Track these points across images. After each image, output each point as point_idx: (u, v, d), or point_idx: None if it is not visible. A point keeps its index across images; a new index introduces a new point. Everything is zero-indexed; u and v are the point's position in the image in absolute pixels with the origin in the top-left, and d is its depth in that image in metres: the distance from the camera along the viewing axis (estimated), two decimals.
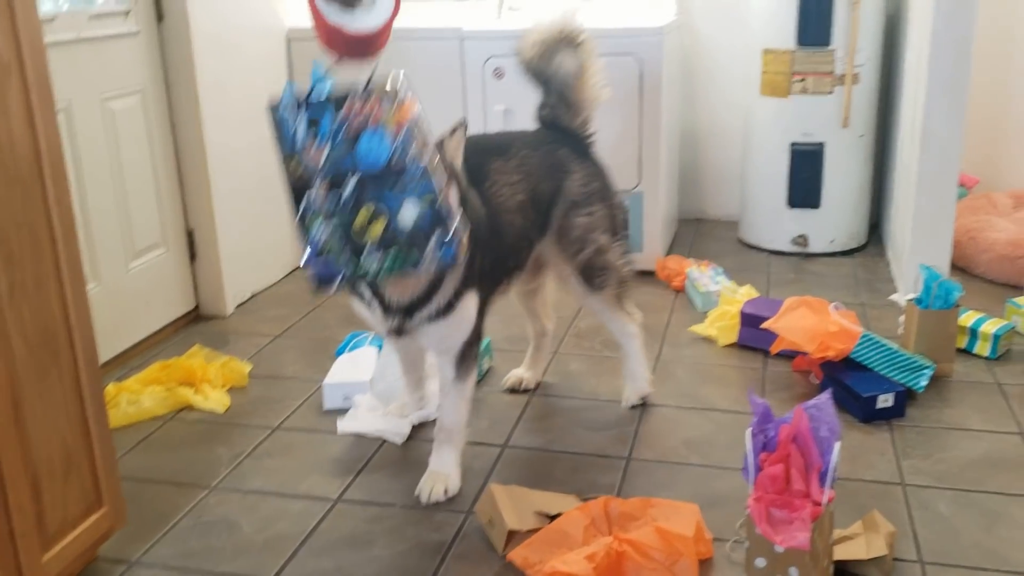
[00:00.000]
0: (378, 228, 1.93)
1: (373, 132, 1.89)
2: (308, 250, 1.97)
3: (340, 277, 1.97)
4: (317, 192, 1.92)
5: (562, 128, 2.66)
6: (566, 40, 2.59)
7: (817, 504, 1.67)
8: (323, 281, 1.99)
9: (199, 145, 3.38)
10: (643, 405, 2.76)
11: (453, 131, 2.14)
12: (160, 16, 3.26)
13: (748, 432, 1.74)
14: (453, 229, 1.93)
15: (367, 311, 2.31)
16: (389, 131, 1.89)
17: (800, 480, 1.68)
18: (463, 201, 2.09)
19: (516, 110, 3.73)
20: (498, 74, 3.70)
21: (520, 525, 2.04)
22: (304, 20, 4.00)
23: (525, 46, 2.62)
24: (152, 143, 3.28)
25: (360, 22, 2.69)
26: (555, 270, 2.65)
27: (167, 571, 2.06)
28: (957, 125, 3.24)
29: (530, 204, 2.46)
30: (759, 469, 1.70)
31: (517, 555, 1.98)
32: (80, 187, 2.93)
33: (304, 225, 1.96)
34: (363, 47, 2.75)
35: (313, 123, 1.92)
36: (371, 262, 1.95)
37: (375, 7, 2.72)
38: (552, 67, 2.60)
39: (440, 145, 2.10)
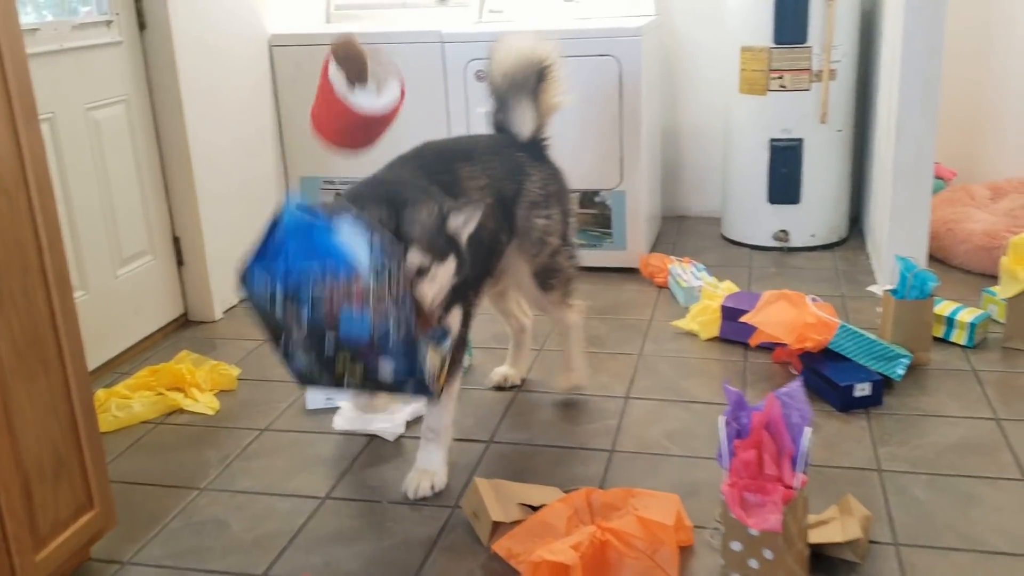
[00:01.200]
0: (358, 371, 1.98)
1: (354, 313, 1.87)
2: (292, 374, 2.07)
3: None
4: (296, 337, 1.96)
5: (514, 131, 2.67)
6: (535, 70, 2.61)
7: (789, 488, 1.71)
8: (307, 382, 2.12)
9: (184, 153, 3.42)
10: (626, 398, 2.81)
11: (462, 210, 2.10)
12: (143, 25, 3.30)
13: (721, 420, 1.79)
14: (428, 376, 1.95)
15: None
16: (371, 311, 1.86)
17: (772, 465, 1.73)
18: (461, 262, 2.11)
19: None
20: (480, 76, 3.74)
21: (505, 517, 2.08)
22: (286, 27, 4.06)
23: (495, 75, 2.64)
24: (137, 151, 3.31)
25: (367, 102, 2.64)
26: (511, 270, 2.65)
27: (159, 570, 2.10)
28: (931, 118, 3.29)
29: (498, 207, 2.48)
30: (733, 455, 1.75)
31: (501, 546, 2.02)
32: (66, 196, 2.97)
33: (285, 354, 2.03)
34: (365, 132, 2.70)
35: (292, 298, 1.91)
36: (352, 384, 2.02)
37: (384, 89, 2.68)
38: (518, 95, 2.63)
39: (445, 218, 2.07)
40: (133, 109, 3.29)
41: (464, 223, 2.09)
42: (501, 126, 2.69)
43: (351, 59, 2.60)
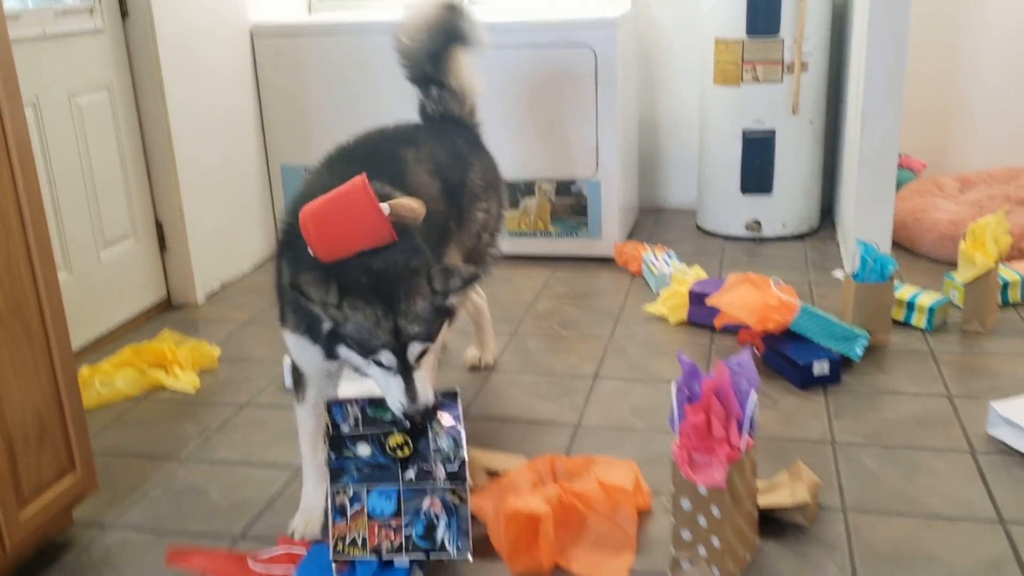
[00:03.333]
0: None
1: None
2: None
3: None
4: None
5: (453, 119, 2.67)
6: (451, 13, 2.60)
7: (735, 449, 1.81)
8: None
9: (166, 139, 3.50)
10: (595, 377, 2.90)
11: (465, 282, 1.93)
12: (124, 12, 3.38)
13: (674, 386, 1.88)
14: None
15: (327, 362, 2.05)
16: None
17: (720, 428, 1.82)
18: (451, 319, 2.03)
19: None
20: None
21: (471, 481, 2.17)
22: (267, 16, 4.14)
23: (405, 33, 2.64)
24: (120, 137, 3.39)
25: None
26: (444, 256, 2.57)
27: (139, 533, 2.19)
28: (896, 106, 3.39)
29: (446, 194, 2.41)
30: (683, 419, 1.84)
31: (475, 505, 2.11)
32: (50, 180, 3.05)
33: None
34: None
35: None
36: None
37: None
38: (439, 51, 2.60)
39: (444, 296, 1.91)
40: (116, 96, 3.37)
41: (461, 292, 1.93)
42: (438, 115, 2.67)
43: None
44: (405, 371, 1.84)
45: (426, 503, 1.91)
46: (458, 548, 1.89)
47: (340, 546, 1.89)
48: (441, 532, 1.89)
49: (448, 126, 2.64)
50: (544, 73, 3.82)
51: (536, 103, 3.87)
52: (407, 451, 1.92)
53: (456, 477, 1.91)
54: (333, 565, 1.89)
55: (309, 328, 1.94)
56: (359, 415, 1.94)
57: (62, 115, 3.11)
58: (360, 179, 1.85)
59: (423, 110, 2.71)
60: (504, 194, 2.74)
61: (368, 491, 1.92)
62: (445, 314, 1.92)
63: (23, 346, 1.92)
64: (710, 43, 4.15)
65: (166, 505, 2.30)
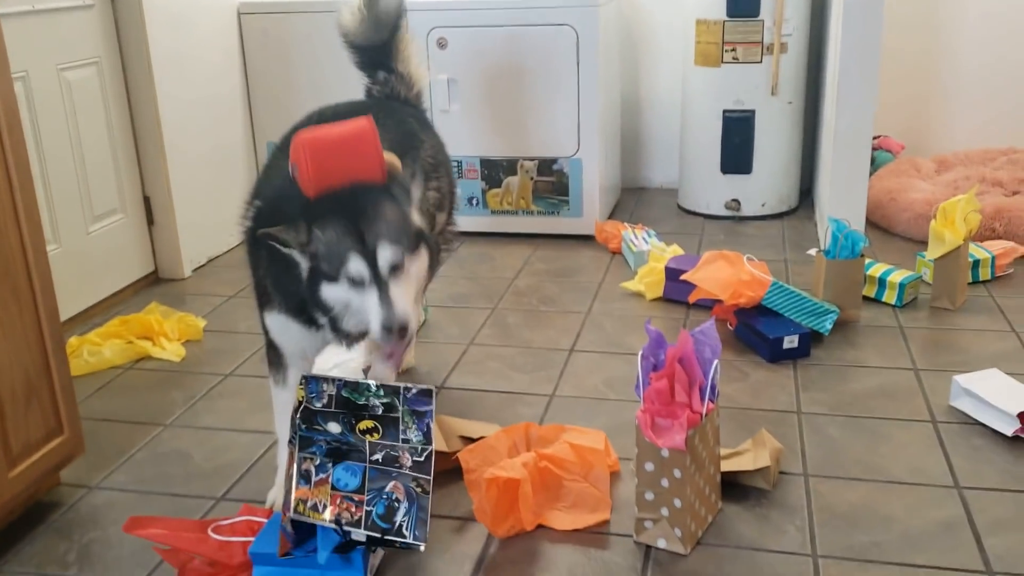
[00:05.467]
0: None
1: None
2: None
3: None
4: None
5: (401, 100, 2.67)
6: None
7: (695, 413, 1.88)
8: None
9: (154, 116, 3.56)
10: (571, 351, 2.98)
11: (412, 174, 2.01)
12: None
13: (640, 354, 1.96)
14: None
15: (311, 334, 2.11)
16: None
17: (683, 394, 1.90)
18: (431, 251, 2.05)
19: (460, 80, 3.93)
20: (441, 44, 3.89)
21: (446, 448, 2.25)
22: None
23: (345, 19, 2.66)
24: (108, 113, 3.45)
25: None
26: None
27: (124, 494, 2.27)
28: (871, 85, 3.45)
29: None
30: (648, 385, 1.92)
31: (463, 457, 2.18)
32: (39, 153, 3.10)
33: None
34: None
35: None
36: None
37: None
38: (378, 35, 2.62)
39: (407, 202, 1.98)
40: (104, 71, 3.42)
41: (417, 183, 2.00)
42: (385, 96, 2.67)
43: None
44: (380, 283, 1.86)
45: (390, 486, 1.91)
46: (415, 536, 1.87)
47: (301, 507, 1.89)
48: (400, 516, 1.88)
49: (396, 105, 2.65)
50: (526, 52, 3.87)
51: (518, 82, 3.93)
52: (376, 437, 1.94)
53: (422, 468, 1.93)
54: (288, 526, 1.87)
55: (289, 295, 2.00)
56: (333, 394, 1.96)
57: (51, 89, 3.16)
58: (369, 120, 1.91)
59: (368, 95, 2.71)
60: (452, 173, 2.73)
61: (334, 464, 1.93)
62: (421, 236, 1.96)
63: (11, 309, 1.98)
64: (691, 24, 4.21)
65: (151, 467, 2.38)
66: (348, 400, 1.95)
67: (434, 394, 1.97)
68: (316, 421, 1.93)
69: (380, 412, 1.96)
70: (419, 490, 1.91)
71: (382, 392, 1.97)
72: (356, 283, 1.87)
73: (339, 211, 1.88)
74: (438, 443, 2.24)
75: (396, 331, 1.86)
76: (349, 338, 2.03)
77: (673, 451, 1.87)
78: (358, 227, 1.87)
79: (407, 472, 1.92)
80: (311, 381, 1.94)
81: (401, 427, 1.95)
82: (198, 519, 2.07)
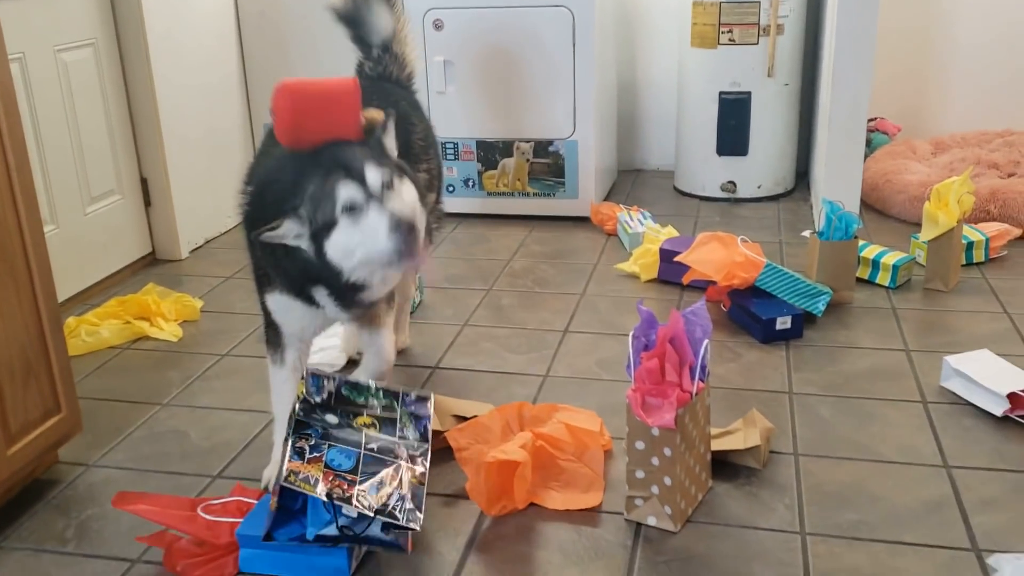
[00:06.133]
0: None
1: None
2: None
3: None
4: None
5: (391, 81, 2.67)
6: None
7: (685, 392, 1.91)
8: None
9: (150, 97, 3.57)
10: (565, 331, 3.00)
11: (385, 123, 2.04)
12: None
13: (631, 334, 1.98)
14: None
15: (312, 312, 2.14)
16: None
17: (674, 373, 1.92)
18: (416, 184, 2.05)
19: (456, 61, 3.93)
20: (437, 26, 3.89)
21: (440, 426, 2.27)
22: None
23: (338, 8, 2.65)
24: (105, 94, 3.46)
25: None
26: None
27: (121, 471, 2.29)
28: (866, 66, 3.46)
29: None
30: (639, 365, 1.94)
31: (451, 435, 2.21)
32: (36, 134, 3.11)
33: None
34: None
35: None
36: None
37: None
38: (366, 29, 2.62)
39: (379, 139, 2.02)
40: (101, 53, 3.43)
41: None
42: (376, 76, 2.66)
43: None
44: (375, 198, 1.86)
45: (384, 472, 1.91)
46: (408, 519, 1.86)
47: (292, 478, 1.85)
48: (393, 500, 1.87)
49: (389, 87, 2.65)
50: (522, 34, 3.88)
51: (514, 63, 3.93)
52: (373, 431, 1.97)
53: (417, 462, 1.96)
54: (273, 498, 1.83)
55: (290, 277, 2.02)
56: (334, 391, 2.00)
57: (48, 71, 3.17)
58: (353, 80, 1.94)
59: (360, 69, 2.70)
60: (440, 159, 2.74)
61: (330, 447, 1.92)
62: (402, 168, 1.98)
63: (8, 288, 2.00)
64: (688, 5, 4.21)
65: (148, 446, 2.40)
66: (348, 398, 1.99)
67: (431, 400, 2.01)
68: (315, 411, 1.96)
69: (379, 412, 1.99)
70: (414, 480, 1.93)
71: (382, 394, 2.02)
72: (354, 210, 1.86)
73: (323, 160, 1.91)
74: (433, 423, 2.27)
75: (404, 227, 1.84)
76: (352, 308, 2.06)
77: (663, 430, 1.89)
78: (340, 166, 1.89)
79: (403, 463, 1.95)
80: (314, 377, 1.97)
81: (399, 426, 1.99)
82: (190, 498, 2.09)
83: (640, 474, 1.97)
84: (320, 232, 1.89)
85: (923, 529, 1.99)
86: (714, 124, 4.28)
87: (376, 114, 2.05)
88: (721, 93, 4.22)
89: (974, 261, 3.45)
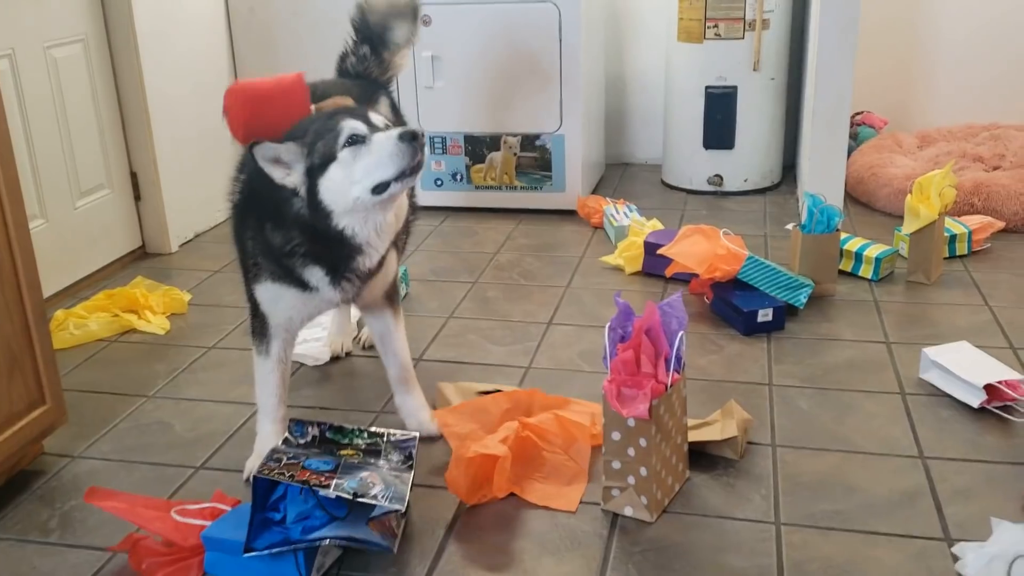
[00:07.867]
0: None
1: None
2: None
3: None
4: None
5: (372, 80, 2.67)
6: (410, 13, 2.68)
7: (660, 383, 1.93)
8: None
9: (140, 92, 3.59)
10: (549, 324, 3.03)
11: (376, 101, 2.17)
12: None
13: (608, 326, 2.00)
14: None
15: (303, 298, 2.17)
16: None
17: (649, 364, 1.94)
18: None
19: (444, 56, 3.95)
20: (425, 21, 3.91)
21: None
22: None
23: (371, 10, 2.67)
24: (95, 89, 3.47)
25: None
26: None
27: (106, 463, 2.32)
28: (848, 59, 3.49)
29: None
30: (615, 356, 1.96)
31: (439, 415, 2.23)
32: (26, 130, 3.13)
33: None
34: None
35: None
36: None
37: None
38: (387, 34, 2.65)
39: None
40: (91, 49, 3.45)
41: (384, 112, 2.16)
42: (355, 73, 2.66)
43: None
44: (379, 128, 1.98)
45: (365, 473, 1.93)
46: (391, 500, 1.87)
47: (267, 471, 1.86)
48: (375, 490, 1.88)
49: (370, 87, 2.65)
50: (509, 29, 3.90)
51: (501, 58, 3.95)
52: (356, 460, 2.01)
53: (401, 470, 2.01)
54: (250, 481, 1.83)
55: (279, 262, 2.07)
56: (317, 435, 2.06)
57: (37, 67, 3.19)
58: (299, 75, 2.06)
59: (342, 62, 2.70)
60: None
61: (307, 458, 1.95)
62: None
63: None
64: (674, 0, 4.23)
65: (133, 437, 2.43)
66: (332, 440, 2.03)
67: (416, 441, 2.08)
68: (296, 450, 2.00)
69: (363, 447, 2.03)
70: (399, 483, 1.96)
71: (366, 435, 2.07)
72: (357, 141, 1.95)
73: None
74: (454, 399, 2.32)
75: (413, 136, 1.92)
76: (346, 282, 2.10)
77: (638, 420, 1.92)
78: (343, 112, 2.01)
79: (386, 470, 1.99)
80: (297, 424, 2.04)
81: (383, 454, 2.04)
82: (163, 499, 2.10)
83: (616, 464, 2.00)
84: (317, 169, 1.95)
85: (897, 519, 2.02)
86: (701, 118, 4.30)
87: (344, 100, 2.09)
88: (707, 87, 4.24)
89: (957, 254, 3.48)
